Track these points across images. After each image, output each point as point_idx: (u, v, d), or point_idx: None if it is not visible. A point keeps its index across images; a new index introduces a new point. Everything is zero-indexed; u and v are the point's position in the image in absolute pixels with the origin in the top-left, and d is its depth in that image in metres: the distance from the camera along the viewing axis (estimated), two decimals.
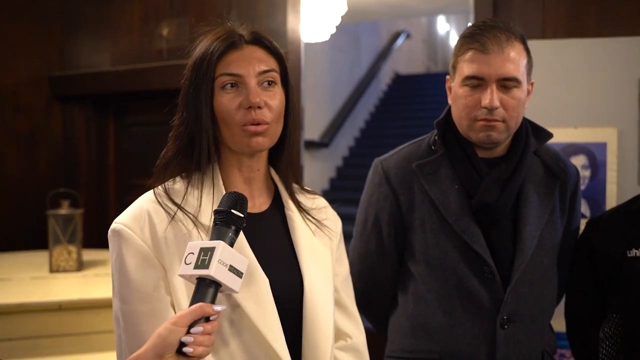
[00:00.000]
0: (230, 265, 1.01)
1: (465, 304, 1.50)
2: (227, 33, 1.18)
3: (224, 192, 1.18)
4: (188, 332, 0.96)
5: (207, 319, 0.99)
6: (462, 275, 1.50)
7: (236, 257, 1.02)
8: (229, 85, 1.16)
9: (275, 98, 1.18)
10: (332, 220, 1.34)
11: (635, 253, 1.52)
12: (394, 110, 7.51)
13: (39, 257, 3.09)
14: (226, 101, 1.16)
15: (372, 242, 1.61)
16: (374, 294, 1.66)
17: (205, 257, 1.00)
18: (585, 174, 2.26)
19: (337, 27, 3.67)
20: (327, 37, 3.72)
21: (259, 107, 1.15)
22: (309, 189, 1.35)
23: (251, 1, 3.14)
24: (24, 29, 3.60)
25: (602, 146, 2.25)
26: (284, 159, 1.26)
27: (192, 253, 1.02)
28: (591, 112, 2.27)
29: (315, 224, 1.27)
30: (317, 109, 5.89)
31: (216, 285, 1.01)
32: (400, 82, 8.39)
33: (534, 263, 1.52)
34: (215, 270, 0.99)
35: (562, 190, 1.59)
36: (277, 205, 1.26)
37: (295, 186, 1.30)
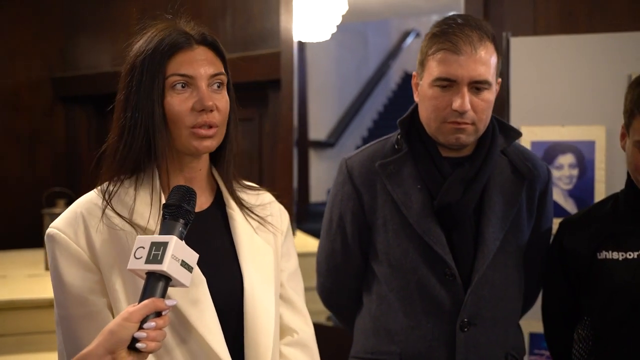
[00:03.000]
0: (182, 260, 1.00)
1: (426, 305, 1.47)
2: (174, 31, 1.17)
3: (160, 192, 1.17)
4: (140, 328, 0.95)
5: (158, 314, 0.98)
6: (423, 276, 1.47)
7: (187, 251, 1.01)
8: (180, 85, 1.15)
9: (223, 100, 1.18)
10: (277, 215, 1.32)
11: (605, 255, 1.47)
12: (403, 110, 7.32)
13: (36, 255, 3.15)
14: (177, 103, 1.14)
15: (337, 241, 1.59)
16: (340, 292, 1.65)
17: (157, 251, 0.98)
18: (573, 172, 2.22)
19: (343, 26, 3.65)
20: (327, 37, 3.71)
21: (211, 110, 1.15)
22: (253, 184, 1.33)
23: (246, 2, 3.15)
24: (25, 31, 3.66)
25: (591, 144, 2.21)
26: (226, 157, 1.25)
27: (142, 247, 1.00)
28: (579, 110, 2.22)
29: (257, 221, 1.25)
30: (323, 108, 5.88)
31: (166, 279, 0.99)
32: (411, 81, 8.33)
33: (496, 265, 1.48)
34: (169, 266, 0.97)
35: (529, 191, 1.54)
36: (218, 204, 1.25)
37: (241, 183, 1.29)
